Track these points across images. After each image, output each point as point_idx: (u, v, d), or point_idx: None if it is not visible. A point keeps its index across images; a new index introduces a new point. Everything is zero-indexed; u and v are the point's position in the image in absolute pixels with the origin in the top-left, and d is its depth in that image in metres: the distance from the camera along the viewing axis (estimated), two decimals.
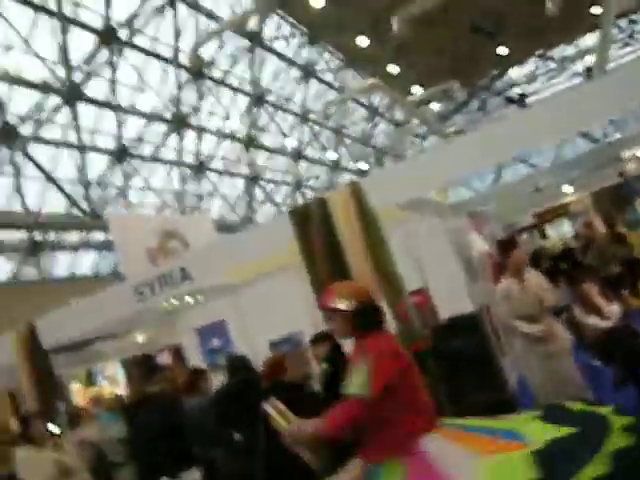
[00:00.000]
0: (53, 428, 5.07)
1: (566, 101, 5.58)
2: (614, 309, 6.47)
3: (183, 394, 6.11)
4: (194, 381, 6.23)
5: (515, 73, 31.64)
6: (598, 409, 3.39)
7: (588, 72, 26.12)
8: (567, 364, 5.66)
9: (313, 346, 5.42)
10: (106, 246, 18.79)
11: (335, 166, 28.97)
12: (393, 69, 24.86)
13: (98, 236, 18.90)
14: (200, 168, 21.40)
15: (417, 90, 26.05)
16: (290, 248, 5.71)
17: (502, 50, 26.12)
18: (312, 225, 5.42)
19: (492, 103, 32.05)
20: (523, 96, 30.03)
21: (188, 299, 9.21)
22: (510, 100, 30.39)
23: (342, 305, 3.41)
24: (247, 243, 5.86)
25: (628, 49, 28.33)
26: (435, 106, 28.18)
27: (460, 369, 5.93)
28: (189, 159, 21.12)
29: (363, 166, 30.11)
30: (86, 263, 19.19)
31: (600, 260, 10.58)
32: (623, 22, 26.95)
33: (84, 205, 17.01)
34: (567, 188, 13.90)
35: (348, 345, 3.78)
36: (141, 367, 16.75)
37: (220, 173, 22.67)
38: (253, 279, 8.64)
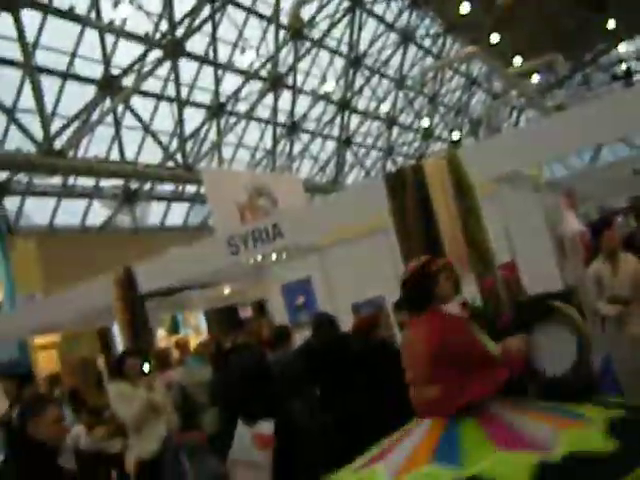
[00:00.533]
0: (145, 367, 5.34)
1: None
2: None
3: (267, 348, 6.30)
4: (279, 336, 6.40)
5: (623, 48, 30.22)
6: None
7: None
8: None
9: (396, 312, 5.47)
10: (197, 199, 19.30)
11: (428, 134, 28.60)
12: (495, 38, 24.20)
13: (190, 188, 19.41)
14: (293, 128, 21.55)
15: (518, 61, 25.29)
16: (382, 213, 5.75)
17: (611, 24, 25.02)
18: (407, 191, 5.44)
19: (596, 79, 30.83)
20: (629, 73, 28.72)
21: (277, 255, 9.42)
22: (615, 77, 29.14)
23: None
24: (340, 205, 5.94)
25: None
26: (535, 79, 27.32)
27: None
28: (283, 119, 21.29)
29: (456, 136, 29.64)
30: (177, 214, 19.78)
31: None
32: None
33: (179, 158, 17.45)
34: None
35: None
36: (225, 319, 17.32)
37: (312, 134, 22.77)
38: (342, 240, 8.74)
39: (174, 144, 17.52)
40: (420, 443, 3.28)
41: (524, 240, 7.74)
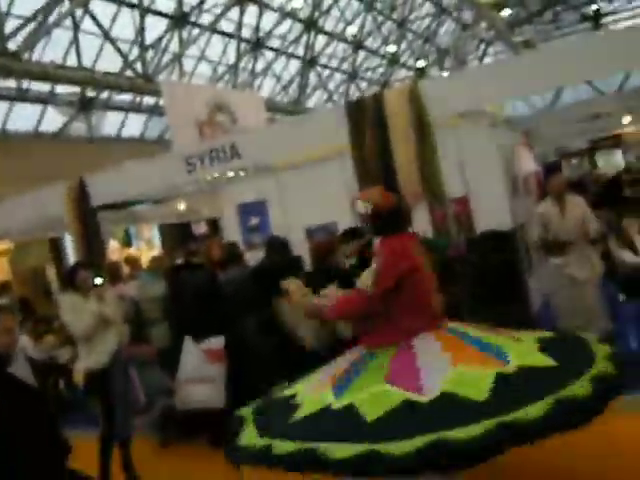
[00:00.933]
0: (97, 280, 5.35)
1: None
2: None
3: (218, 266, 6.37)
4: (230, 255, 6.45)
5: None
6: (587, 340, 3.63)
7: None
8: (592, 293, 5.77)
9: (340, 243, 5.58)
10: (156, 111, 18.92)
11: (394, 60, 28.27)
12: None
13: (149, 100, 18.98)
14: (257, 44, 21.07)
15: None
16: (341, 139, 5.78)
17: None
18: (366, 119, 5.47)
19: (566, 18, 30.61)
20: (598, 14, 28.62)
21: (232, 174, 9.40)
22: (585, 17, 29.02)
23: (361, 209, 3.74)
24: (300, 129, 5.93)
25: None
26: (506, 12, 27.04)
27: (488, 281, 6.06)
28: (247, 34, 20.77)
29: (421, 64, 29.36)
30: (134, 125, 19.39)
31: None
32: None
33: (138, 67, 16.98)
34: (626, 118, 13.49)
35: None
36: (179, 234, 17.29)
37: (277, 52, 22.32)
38: (299, 164, 8.75)
39: (134, 53, 17.01)
40: (370, 370, 3.41)
41: (478, 176, 7.89)
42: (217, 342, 5.50)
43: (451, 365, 3.22)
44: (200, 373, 5.33)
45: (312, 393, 3.50)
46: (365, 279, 3.64)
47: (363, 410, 3.10)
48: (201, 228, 19.52)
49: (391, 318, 3.52)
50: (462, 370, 3.17)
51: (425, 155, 5.34)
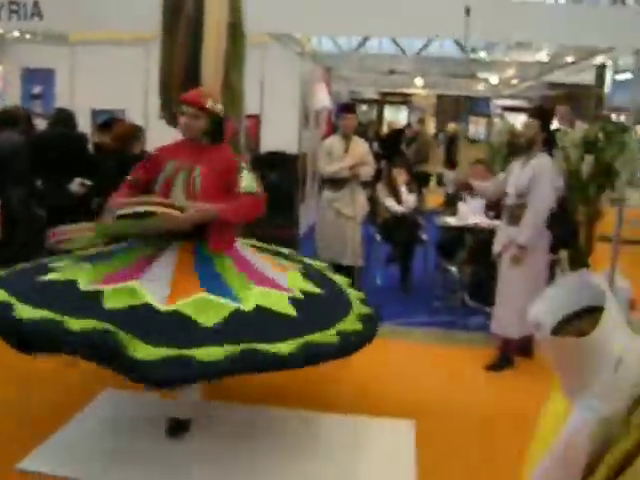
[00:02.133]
0: None
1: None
2: (410, 199, 7.19)
3: None
4: (6, 119, 6.08)
5: None
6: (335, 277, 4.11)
7: None
8: (353, 229, 6.27)
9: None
10: None
11: None
12: None
13: None
14: None
15: None
16: (149, 27, 5.62)
17: None
18: (182, 16, 5.36)
19: None
20: None
21: (17, 34, 8.70)
22: None
23: (215, 107, 3.63)
24: (112, 4, 5.65)
25: None
26: None
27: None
28: None
29: None
30: None
31: (418, 156, 11.42)
32: None
33: None
34: (419, 81, 14.46)
35: None
36: None
37: None
38: (98, 41, 8.34)
39: None
40: (175, 268, 3.36)
41: (275, 98, 8.11)
42: None
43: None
44: None
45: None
46: None
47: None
48: None
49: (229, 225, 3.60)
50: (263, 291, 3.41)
51: (233, 64, 5.38)
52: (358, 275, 5.94)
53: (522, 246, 4.66)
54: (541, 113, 4.87)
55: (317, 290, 3.65)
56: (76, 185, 5.49)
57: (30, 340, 2.95)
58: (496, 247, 4.99)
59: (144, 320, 2.98)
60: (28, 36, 8.98)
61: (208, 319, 3.03)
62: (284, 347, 3.01)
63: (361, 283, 5.64)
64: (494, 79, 13.56)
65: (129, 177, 3.74)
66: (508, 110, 17.46)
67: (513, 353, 4.96)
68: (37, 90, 8.71)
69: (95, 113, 8.51)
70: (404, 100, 19.82)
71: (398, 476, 3.46)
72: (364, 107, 20.04)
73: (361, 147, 6.34)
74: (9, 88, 8.91)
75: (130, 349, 2.79)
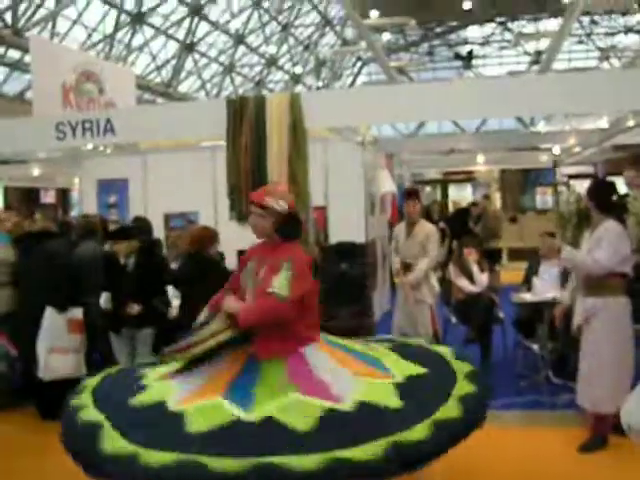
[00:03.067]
0: None
1: (514, 85, 5.94)
2: (483, 278, 7.10)
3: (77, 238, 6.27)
4: (88, 229, 6.36)
5: (472, 32, 31.81)
6: (437, 348, 3.90)
7: (537, 55, 26.68)
8: (426, 312, 6.26)
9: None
10: (20, 65, 17.97)
11: (272, 61, 28.50)
12: None
13: (14, 54, 18.02)
14: (138, 18, 20.56)
15: (374, 15, 25.83)
16: (215, 131, 5.90)
17: (467, 4, 26.21)
18: (245, 118, 5.60)
19: (440, 52, 32.23)
20: (471, 56, 30.38)
21: (92, 147, 9.22)
22: (458, 56, 30.69)
23: (277, 205, 3.51)
24: (177, 113, 5.97)
25: (581, 47, 28.94)
26: (386, 36, 28.05)
27: (337, 291, 6.38)
28: (129, 6, 20.22)
29: (298, 70, 29.79)
30: None
31: (486, 232, 11.33)
32: (586, 19, 27.36)
33: (8, 17, 16.11)
34: (480, 157, 14.52)
35: None
36: (25, 199, 16.50)
37: (157, 30, 21.87)
38: (166, 147, 8.74)
39: (5, 1, 16.12)
40: (218, 374, 3.31)
41: (340, 189, 8.26)
42: (77, 312, 5.47)
43: (351, 375, 3.28)
44: (63, 343, 5.28)
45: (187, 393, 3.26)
46: None
47: (286, 421, 2.97)
48: (49, 196, 18.75)
49: (288, 326, 3.36)
50: (365, 383, 3.24)
51: (297, 160, 5.56)
52: None
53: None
54: (589, 187, 4.89)
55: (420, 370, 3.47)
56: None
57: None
58: (576, 319, 4.85)
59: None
60: (101, 148, 9.51)
61: (200, 425, 2.96)
62: (368, 450, 2.84)
63: None
64: (556, 149, 13.51)
65: (225, 286, 3.73)
66: (573, 178, 17.30)
67: (607, 431, 4.71)
68: (112, 199, 9.11)
69: (167, 217, 8.84)
70: (468, 177, 19.87)
71: None
72: (428, 188, 20.15)
73: (424, 230, 6.38)
74: (86, 199, 9.35)
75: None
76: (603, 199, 4.77)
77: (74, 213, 16.63)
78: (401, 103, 5.76)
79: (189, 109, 6.53)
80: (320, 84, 25.76)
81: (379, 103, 5.72)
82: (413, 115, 6.27)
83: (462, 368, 3.55)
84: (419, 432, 2.97)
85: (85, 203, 9.35)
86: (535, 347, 6.12)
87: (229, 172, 5.70)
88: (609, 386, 4.53)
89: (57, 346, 5.29)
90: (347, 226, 8.08)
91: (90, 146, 9.29)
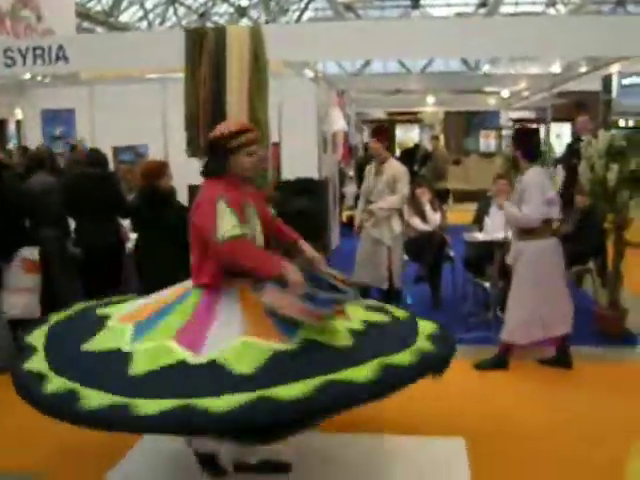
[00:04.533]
0: None
1: (461, 26, 6.02)
2: (437, 217, 7.23)
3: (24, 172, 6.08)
4: (36, 161, 6.17)
5: None
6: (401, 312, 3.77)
7: None
8: (383, 251, 6.32)
9: None
10: None
11: None
12: None
13: None
14: None
15: None
16: (169, 63, 5.77)
17: None
18: (205, 50, 5.47)
19: None
20: None
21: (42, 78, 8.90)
22: None
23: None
24: (133, 44, 5.79)
25: None
26: None
27: (295, 228, 6.36)
28: None
29: (244, 2, 29.03)
30: None
31: (435, 173, 11.48)
32: None
33: None
34: (430, 99, 14.57)
35: None
36: None
37: None
38: (116, 78, 8.49)
39: None
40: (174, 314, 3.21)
41: (293, 125, 8.21)
42: (31, 252, 5.31)
43: (240, 335, 3.05)
44: (19, 283, 5.14)
45: (120, 320, 3.28)
46: None
47: (135, 362, 2.91)
48: None
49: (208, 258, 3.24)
50: (247, 341, 3.00)
51: (256, 96, 5.47)
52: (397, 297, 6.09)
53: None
54: (514, 133, 5.25)
55: (381, 318, 3.47)
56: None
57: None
58: (509, 260, 5.22)
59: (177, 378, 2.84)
60: (39, 78, 9.17)
61: (245, 366, 2.84)
62: (297, 388, 2.72)
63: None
64: (505, 92, 13.65)
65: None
66: (518, 122, 17.56)
67: (509, 357, 5.20)
68: (58, 132, 8.84)
69: (116, 149, 8.64)
70: (414, 119, 19.93)
71: None
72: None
73: (395, 169, 6.32)
74: (30, 131, 9.05)
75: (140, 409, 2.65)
76: (528, 147, 5.03)
77: (10, 146, 16.05)
78: (358, 38, 5.77)
79: (145, 38, 6.33)
80: (265, 18, 25.10)
81: (334, 38, 5.72)
82: (369, 51, 6.20)
83: (425, 329, 3.48)
84: (362, 372, 2.85)
85: (29, 135, 9.03)
86: (487, 285, 6.30)
87: (187, 104, 5.59)
88: (524, 320, 4.99)
89: (14, 286, 5.16)
90: (300, 163, 8.06)
91: (28, 75, 8.97)
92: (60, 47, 5.57)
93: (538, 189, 4.84)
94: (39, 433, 3.97)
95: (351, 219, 10.29)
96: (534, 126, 8.56)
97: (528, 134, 5.27)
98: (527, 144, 5.04)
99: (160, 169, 5.26)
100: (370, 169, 6.45)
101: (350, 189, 11.93)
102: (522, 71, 13.85)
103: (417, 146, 14.53)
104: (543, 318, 5.00)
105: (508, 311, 5.13)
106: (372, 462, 3.77)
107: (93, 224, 5.50)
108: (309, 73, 8.76)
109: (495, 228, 6.49)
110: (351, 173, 12.55)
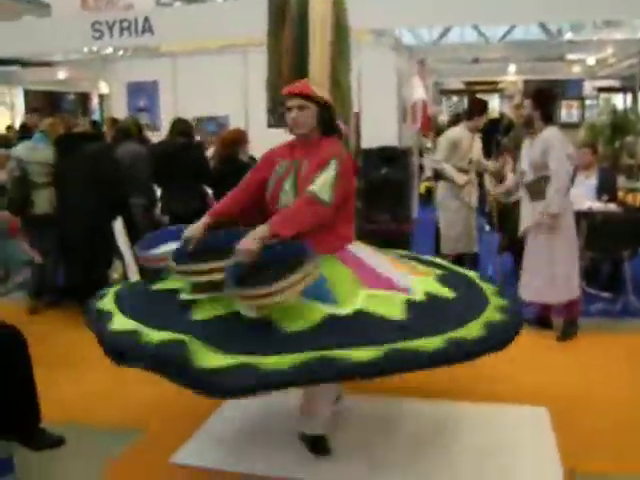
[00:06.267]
0: None
1: None
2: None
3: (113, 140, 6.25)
4: (123, 132, 6.33)
5: None
6: (478, 280, 3.65)
7: None
8: (472, 218, 6.37)
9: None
10: None
11: None
12: None
13: None
14: None
15: None
16: (255, 32, 5.76)
17: None
18: (287, 19, 5.45)
19: None
20: None
21: (121, 52, 9.08)
22: None
23: (322, 95, 3.38)
24: (217, 13, 5.84)
25: None
26: None
27: (379, 196, 6.37)
28: None
29: None
30: None
31: (516, 143, 11.17)
32: None
33: None
34: (512, 67, 14.17)
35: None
36: (48, 103, 16.34)
37: None
38: (198, 50, 8.59)
39: None
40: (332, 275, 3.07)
41: (373, 94, 8.14)
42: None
43: (405, 271, 3.31)
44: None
45: None
46: None
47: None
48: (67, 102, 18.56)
49: (331, 227, 3.18)
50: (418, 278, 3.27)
51: (339, 63, 5.42)
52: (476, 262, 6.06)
53: (555, 214, 4.97)
54: (535, 93, 5.20)
55: (449, 294, 3.25)
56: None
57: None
58: (524, 224, 5.30)
59: (226, 329, 2.80)
60: (121, 52, 9.36)
61: (295, 324, 2.78)
62: (362, 354, 2.63)
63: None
64: (591, 60, 13.13)
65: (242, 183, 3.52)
66: (604, 91, 16.90)
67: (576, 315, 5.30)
68: (142, 103, 9.03)
69: (198, 120, 8.78)
70: (492, 88, 19.44)
71: (543, 462, 3.41)
72: (455, 98, 19.84)
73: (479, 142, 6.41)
74: (115, 103, 9.28)
75: (197, 359, 2.59)
76: (548, 108, 5.12)
77: (95, 117, 16.53)
78: (439, 4, 5.69)
79: (227, 7, 6.37)
80: None
81: (413, 5, 5.62)
82: (451, 18, 6.14)
83: (497, 302, 3.34)
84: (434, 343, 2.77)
85: (114, 107, 9.27)
86: None
87: (270, 73, 5.58)
88: (552, 279, 5.16)
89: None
90: (380, 132, 8.00)
91: (110, 50, 9.18)
92: (146, 19, 5.69)
93: (561, 144, 4.98)
94: (134, 391, 4.13)
95: (429, 190, 10.22)
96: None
97: (551, 97, 5.35)
98: (548, 106, 5.12)
99: (240, 138, 5.33)
100: (459, 135, 6.44)
101: (429, 161, 11.75)
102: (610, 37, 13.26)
103: (502, 116, 14.16)
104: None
105: (533, 272, 5.24)
106: (450, 428, 3.78)
107: (180, 192, 5.62)
108: (389, 41, 8.64)
109: (580, 198, 6.33)
110: (429, 144, 12.36)
